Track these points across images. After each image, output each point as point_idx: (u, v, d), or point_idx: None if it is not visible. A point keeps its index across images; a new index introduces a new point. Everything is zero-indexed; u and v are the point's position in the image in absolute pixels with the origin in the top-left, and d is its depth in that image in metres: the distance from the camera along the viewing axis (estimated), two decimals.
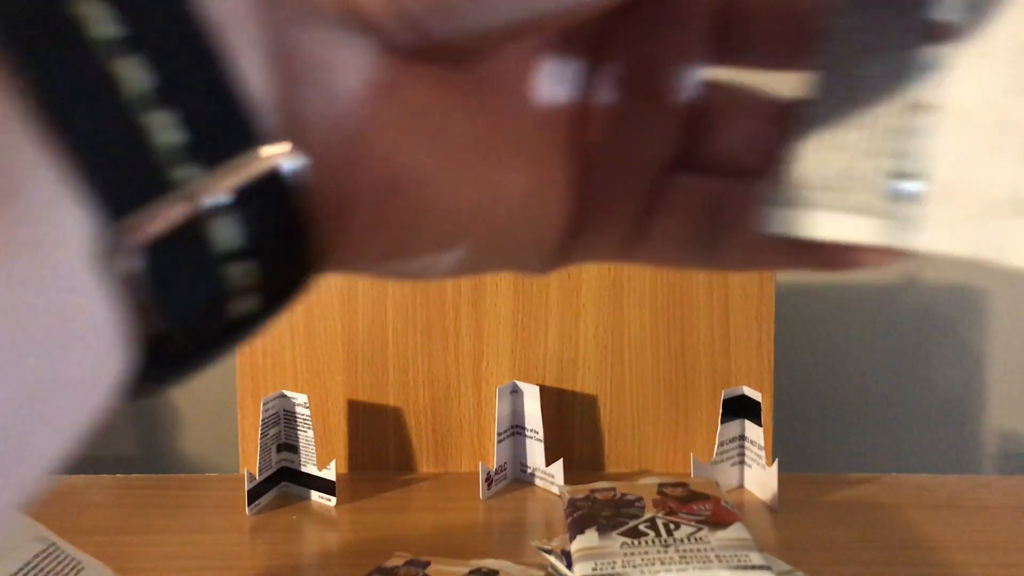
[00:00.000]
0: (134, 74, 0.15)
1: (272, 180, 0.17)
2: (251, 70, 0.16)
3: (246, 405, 0.74)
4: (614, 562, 0.49)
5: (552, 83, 0.21)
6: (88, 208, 0.15)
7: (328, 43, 0.17)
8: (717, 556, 0.50)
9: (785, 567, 0.54)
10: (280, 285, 0.18)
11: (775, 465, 0.69)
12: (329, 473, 0.69)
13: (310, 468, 0.70)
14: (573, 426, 0.75)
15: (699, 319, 0.74)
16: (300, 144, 0.17)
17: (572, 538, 0.52)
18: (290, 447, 0.71)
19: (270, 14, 0.17)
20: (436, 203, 0.19)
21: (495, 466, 0.71)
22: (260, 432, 0.68)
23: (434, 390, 0.75)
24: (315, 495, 0.70)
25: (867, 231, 0.18)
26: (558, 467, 0.71)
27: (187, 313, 0.16)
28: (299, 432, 0.71)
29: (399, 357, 0.75)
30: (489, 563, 0.57)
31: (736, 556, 0.49)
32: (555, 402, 0.74)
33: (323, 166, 0.17)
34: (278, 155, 0.16)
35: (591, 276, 0.75)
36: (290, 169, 0.17)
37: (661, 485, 0.59)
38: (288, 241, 0.17)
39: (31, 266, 0.14)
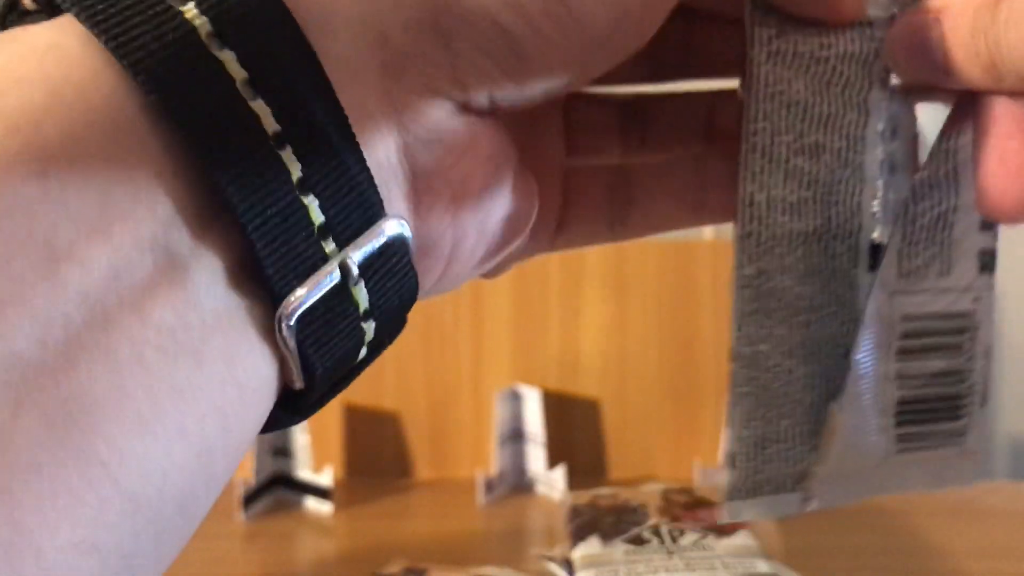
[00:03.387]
0: (292, 160, 0.17)
1: (390, 244, 0.19)
2: (374, 144, 0.19)
3: None
4: (617, 570, 0.49)
5: None
6: (258, 284, 0.17)
7: (438, 111, 0.20)
8: (723, 564, 0.49)
9: (792, 575, 0.53)
10: (391, 331, 0.21)
11: None
12: (325, 478, 0.68)
13: (305, 473, 0.69)
14: (574, 431, 0.74)
15: (704, 321, 0.74)
16: (416, 195, 0.20)
17: (574, 546, 0.52)
18: (285, 452, 0.70)
19: (396, 93, 0.19)
20: (491, 226, 0.23)
21: (495, 471, 0.70)
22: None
23: (432, 393, 0.74)
24: (310, 501, 0.69)
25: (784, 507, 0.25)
26: (559, 472, 0.70)
27: (330, 369, 0.19)
28: (294, 436, 0.70)
29: (396, 360, 0.74)
30: (488, 571, 0.57)
31: (742, 564, 0.49)
32: (556, 406, 0.73)
33: (428, 217, 0.21)
34: (396, 225, 0.19)
35: (593, 276, 0.74)
36: (404, 234, 0.19)
37: (665, 491, 0.59)
38: (400, 294, 0.20)
39: (207, 344, 0.16)
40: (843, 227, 0.24)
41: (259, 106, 0.17)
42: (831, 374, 0.24)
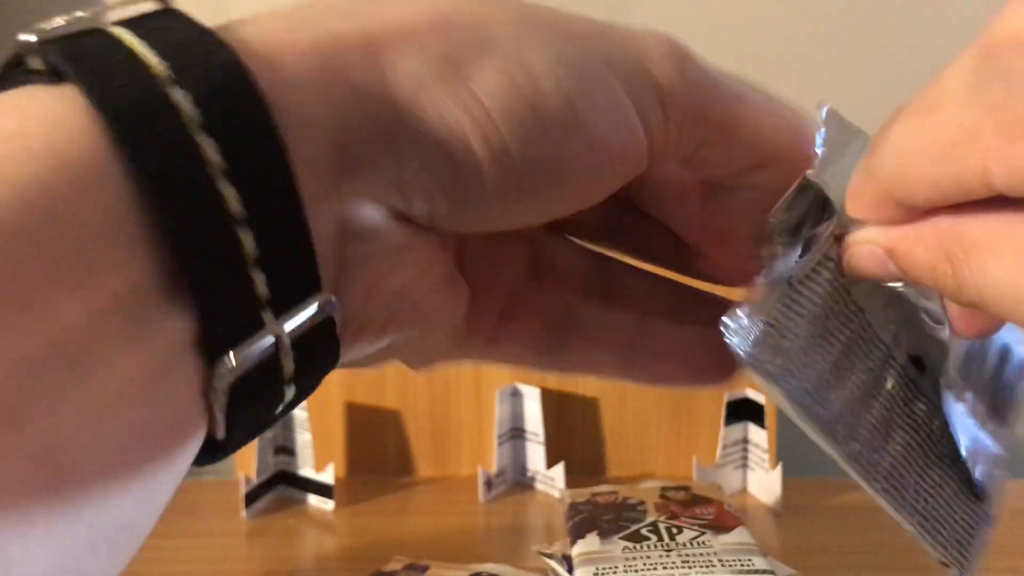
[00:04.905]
0: (250, 241, 0.19)
1: (321, 319, 0.21)
2: (321, 233, 0.21)
3: None
4: (615, 567, 0.49)
5: None
6: (206, 348, 0.19)
7: (376, 214, 0.22)
8: (720, 560, 0.49)
9: (789, 571, 0.54)
10: (307, 391, 0.23)
11: (779, 469, 0.68)
12: (327, 476, 0.69)
13: (307, 471, 0.70)
14: (574, 429, 0.75)
15: None
16: (342, 283, 0.22)
17: (573, 542, 0.52)
18: (287, 450, 0.71)
19: (344, 192, 0.22)
20: (419, 321, 0.25)
21: (495, 469, 0.71)
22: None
23: (433, 392, 0.74)
24: (312, 498, 0.70)
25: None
26: (559, 470, 0.70)
27: (250, 424, 0.22)
28: (296, 435, 0.70)
29: None
30: (489, 567, 0.57)
31: (739, 560, 0.49)
32: (556, 404, 0.74)
33: (354, 302, 0.23)
34: (329, 303, 0.21)
35: None
36: (333, 312, 0.22)
37: (663, 489, 0.58)
38: (322, 363, 0.23)
39: (163, 396, 0.19)
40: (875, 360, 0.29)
41: (229, 191, 0.19)
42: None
